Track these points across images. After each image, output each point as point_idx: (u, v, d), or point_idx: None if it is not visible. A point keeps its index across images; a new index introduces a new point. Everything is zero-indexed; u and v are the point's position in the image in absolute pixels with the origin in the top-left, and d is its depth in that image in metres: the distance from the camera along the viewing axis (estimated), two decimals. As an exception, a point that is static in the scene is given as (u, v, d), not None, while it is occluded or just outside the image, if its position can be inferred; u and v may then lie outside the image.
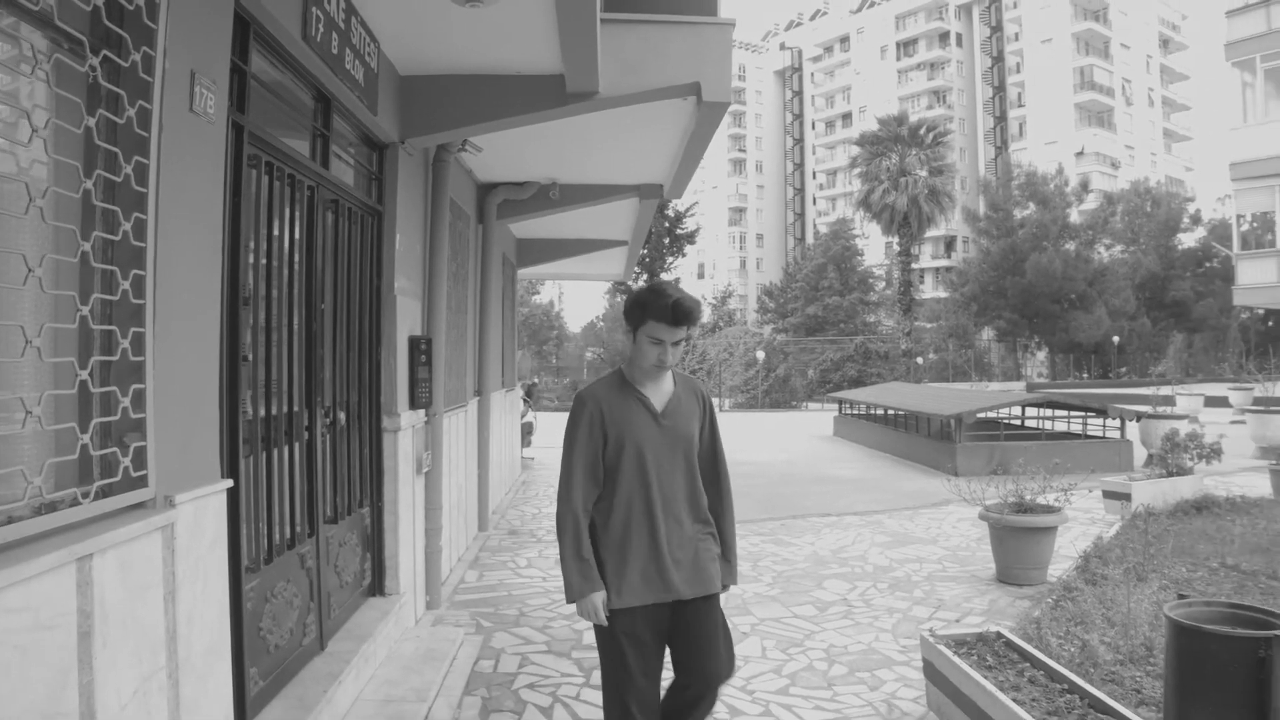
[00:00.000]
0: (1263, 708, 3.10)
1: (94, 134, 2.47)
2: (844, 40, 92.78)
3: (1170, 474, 10.21)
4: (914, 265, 50.92)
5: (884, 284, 56.73)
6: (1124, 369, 51.22)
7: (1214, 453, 11.25)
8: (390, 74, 5.27)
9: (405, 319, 5.75)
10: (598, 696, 4.59)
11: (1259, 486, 11.15)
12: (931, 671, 4.31)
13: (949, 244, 76.27)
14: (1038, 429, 15.74)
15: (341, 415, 4.98)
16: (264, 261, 3.85)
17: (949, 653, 4.15)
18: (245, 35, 3.54)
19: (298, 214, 4.29)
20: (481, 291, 8.93)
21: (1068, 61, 74.14)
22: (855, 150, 46.72)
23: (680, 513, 3.19)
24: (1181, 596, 3.76)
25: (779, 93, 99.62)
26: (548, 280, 51.13)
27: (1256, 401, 23.33)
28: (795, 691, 4.74)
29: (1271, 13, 26.37)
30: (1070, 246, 49.02)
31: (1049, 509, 7.15)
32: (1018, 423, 16.56)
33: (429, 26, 4.77)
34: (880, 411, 18.24)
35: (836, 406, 23.02)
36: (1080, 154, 71.53)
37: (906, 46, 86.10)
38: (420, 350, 5.91)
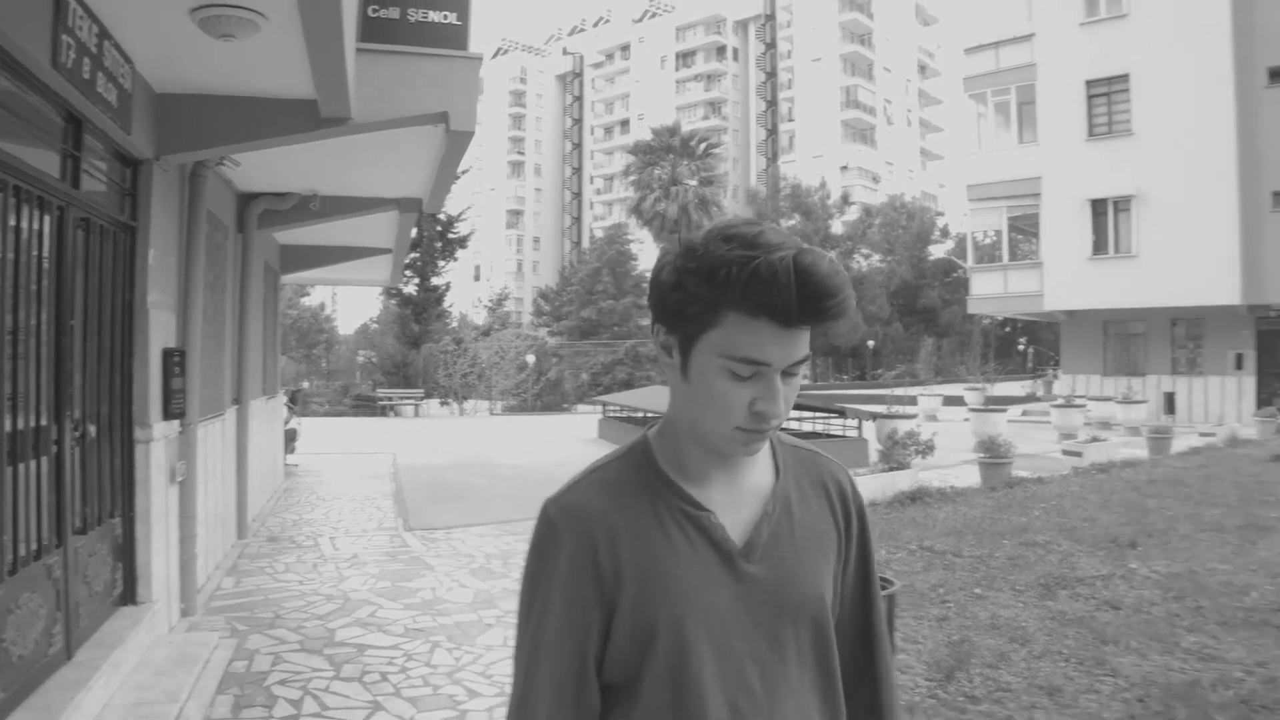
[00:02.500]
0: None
1: None
2: (625, 48, 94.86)
3: (891, 468, 11.41)
4: (686, 271, 52.68)
5: (658, 289, 58.40)
6: (879, 371, 55.05)
7: (929, 449, 12.62)
8: (146, 93, 5.37)
9: (159, 331, 5.83)
10: (347, 688, 4.92)
11: (971, 478, 12.54)
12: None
13: (719, 251, 79.22)
14: (783, 428, 16.97)
15: (92, 428, 5.07)
16: (8, 282, 3.96)
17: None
18: (-8, 66, 3.66)
19: (46, 233, 4.39)
20: (242, 300, 8.95)
21: (835, 81, 78.82)
22: (630, 158, 48.07)
23: None
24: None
25: (560, 97, 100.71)
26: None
27: (986, 401, 25.86)
28: (530, 676, 5.20)
29: (1000, 53, 29.23)
30: (832, 255, 52.04)
31: None
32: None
33: (186, 50, 4.92)
34: (642, 414, 19.09)
35: (601, 409, 23.82)
36: (845, 168, 76.15)
37: (685, 58, 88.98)
38: (174, 362, 6.00)
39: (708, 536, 1.24)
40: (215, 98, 5.63)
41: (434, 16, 5.71)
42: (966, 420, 21.34)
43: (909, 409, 22.82)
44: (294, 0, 3.98)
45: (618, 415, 21.24)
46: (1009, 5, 29.03)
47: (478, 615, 6.41)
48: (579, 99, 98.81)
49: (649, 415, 18.32)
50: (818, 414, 16.95)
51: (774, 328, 1.11)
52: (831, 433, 16.75)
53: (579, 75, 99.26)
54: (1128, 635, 5.28)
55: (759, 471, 1.32)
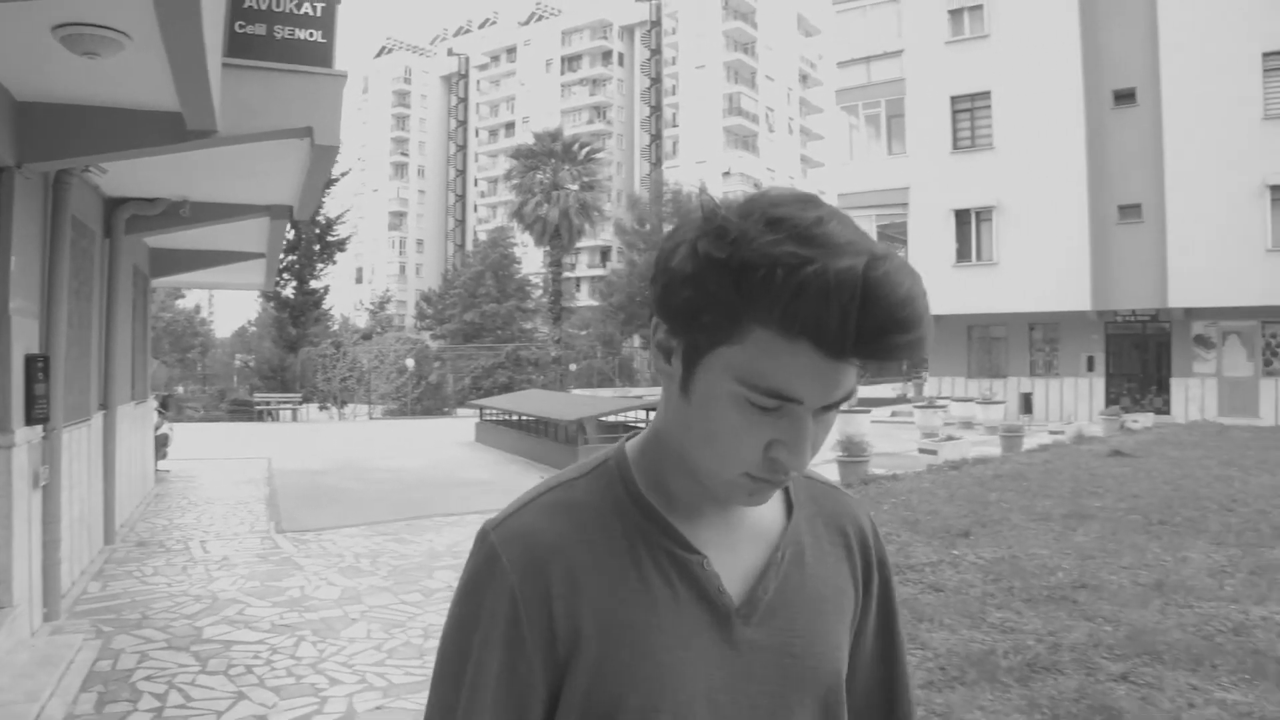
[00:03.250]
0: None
1: None
2: (511, 51, 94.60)
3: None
4: (570, 274, 53.20)
5: (541, 291, 58.78)
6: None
7: None
8: (6, 101, 5.44)
9: (22, 338, 5.89)
10: (212, 680, 5.11)
11: (830, 476, 13.15)
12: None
13: (605, 253, 79.95)
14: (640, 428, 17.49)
15: (-48, 433, 5.13)
16: None
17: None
18: None
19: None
20: (109, 305, 8.93)
21: (719, 88, 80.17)
22: (512, 162, 48.16)
23: None
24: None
25: (444, 98, 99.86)
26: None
27: (856, 403, 26.86)
28: (391, 663, 5.48)
29: (871, 68, 30.47)
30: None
31: None
32: (644, 425, 18.26)
33: (49, 62, 5.01)
34: (516, 417, 19.35)
35: (478, 413, 23.97)
36: (727, 174, 77.48)
37: (571, 62, 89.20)
38: (38, 368, 6.06)
39: (697, 588, 0.96)
40: (80, 108, 5.72)
41: (300, 35, 5.93)
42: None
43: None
44: (154, 19, 4.16)
45: (494, 419, 21.42)
46: (880, 22, 30.26)
47: (343, 611, 6.65)
48: (464, 101, 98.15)
49: (524, 417, 18.57)
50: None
51: (817, 357, 0.82)
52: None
53: (464, 77, 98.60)
54: (943, 614, 5.83)
55: (765, 507, 1.04)
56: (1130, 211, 25.51)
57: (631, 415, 17.50)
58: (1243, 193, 23.44)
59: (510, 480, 14.36)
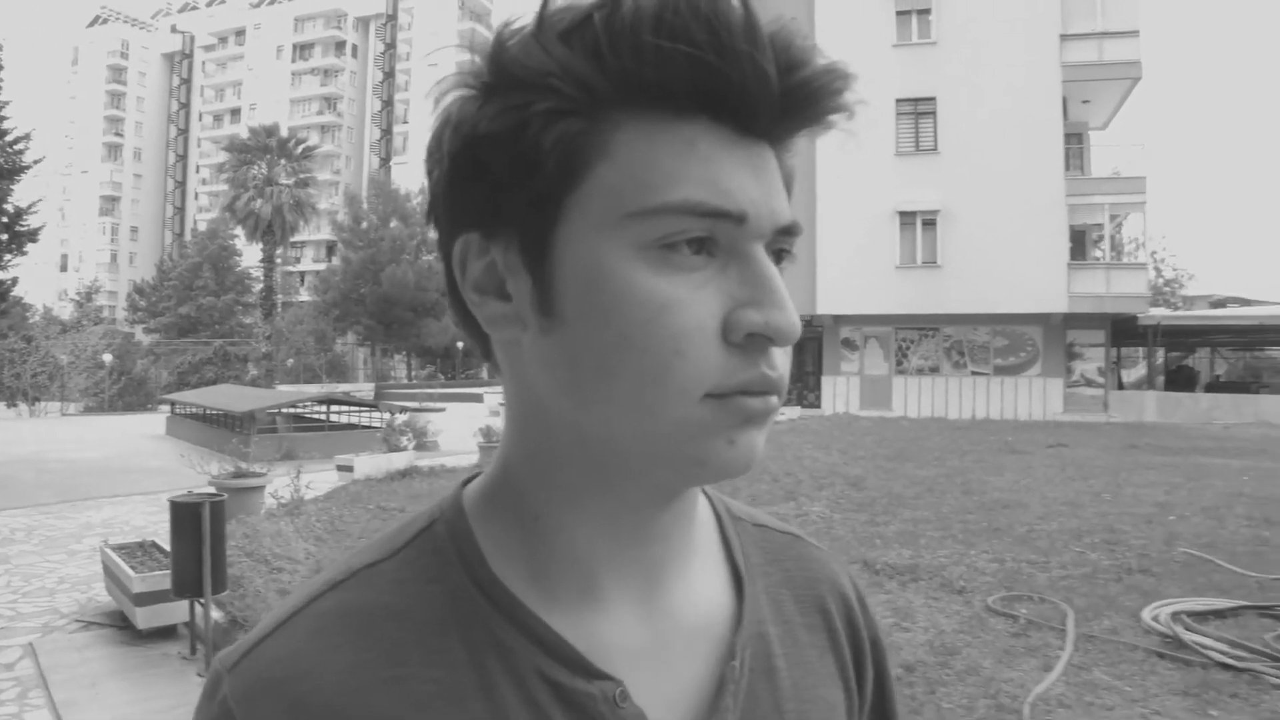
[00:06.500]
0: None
1: None
2: (240, 33, 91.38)
3: (391, 451, 13.80)
4: (293, 268, 52.76)
5: (261, 286, 57.90)
6: (472, 371, 57.60)
7: (423, 434, 15.35)
8: None
9: None
10: None
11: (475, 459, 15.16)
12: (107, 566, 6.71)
13: (331, 248, 79.24)
14: (327, 421, 19.03)
15: None
16: None
17: (112, 553, 6.56)
18: None
19: None
20: None
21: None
22: (225, 156, 47.33)
23: None
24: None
25: (166, 77, 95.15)
26: None
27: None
28: (22, 603, 6.92)
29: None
30: (429, 259, 54.23)
31: (259, 474, 10.04)
32: (322, 417, 19.69)
33: None
34: (203, 411, 20.22)
35: (170, 407, 24.50)
36: (446, 157, 78.42)
37: (303, 50, 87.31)
38: None
39: None
40: None
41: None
42: (493, 414, 24.19)
43: (436, 406, 25.48)
44: None
45: (184, 413, 22.02)
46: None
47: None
48: (187, 82, 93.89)
49: (209, 411, 19.42)
50: (351, 408, 19.06)
51: (727, 135, 0.51)
52: (373, 424, 18.83)
53: (189, 56, 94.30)
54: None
55: (704, 574, 0.63)
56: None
57: (312, 410, 18.86)
58: (878, 217, 27.33)
59: (184, 466, 15.36)
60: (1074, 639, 5.49)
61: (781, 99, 0.50)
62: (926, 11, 27.94)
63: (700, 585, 0.62)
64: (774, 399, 0.51)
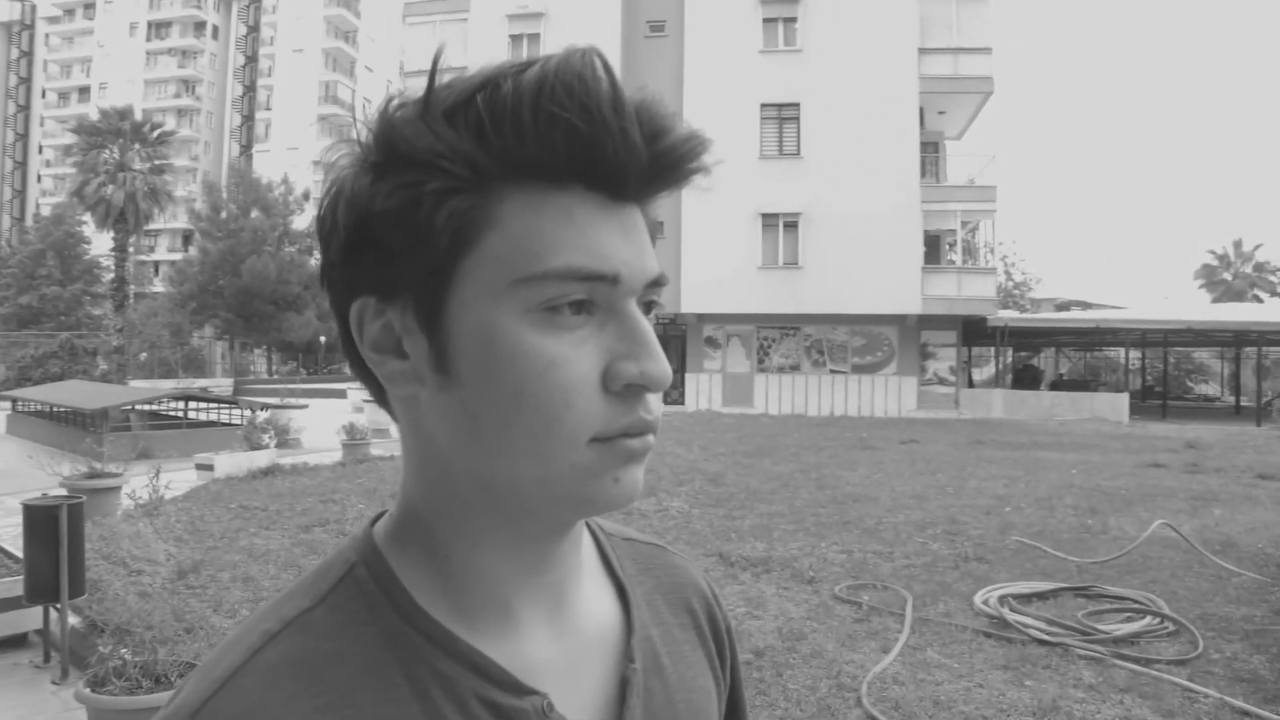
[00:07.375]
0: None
1: None
2: (89, 6, 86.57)
3: (252, 449, 13.52)
4: (147, 257, 50.67)
5: (112, 276, 55.34)
6: (335, 366, 56.43)
7: (285, 432, 15.08)
8: None
9: None
10: None
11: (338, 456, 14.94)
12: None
13: (188, 237, 76.36)
14: (185, 419, 18.48)
15: None
16: None
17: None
18: None
19: None
20: None
21: (316, 74, 78.69)
22: (72, 138, 45.09)
23: None
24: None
25: (3, 49, 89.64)
26: None
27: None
28: None
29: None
30: (290, 251, 52.83)
31: (114, 475, 9.82)
32: (179, 414, 19.09)
33: None
34: (50, 408, 19.34)
35: (10, 405, 23.41)
36: (318, 163, 76.40)
37: (159, 28, 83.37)
38: None
39: None
40: None
41: None
42: (357, 410, 23.93)
43: (298, 402, 25.12)
44: None
45: (28, 410, 21.04)
46: (448, 36, 32.24)
47: None
48: (28, 55, 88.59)
49: (57, 409, 18.60)
50: (210, 404, 18.59)
51: (600, 202, 0.59)
52: (234, 421, 18.36)
53: (30, 28, 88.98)
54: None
55: (595, 590, 0.73)
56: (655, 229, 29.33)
57: (170, 407, 18.27)
58: (742, 218, 27.97)
59: (32, 468, 14.73)
60: (911, 623, 5.96)
61: (649, 165, 0.58)
62: (793, 20, 28.81)
63: (593, 600, 0.71)
64: (650, 438, 0.60)
